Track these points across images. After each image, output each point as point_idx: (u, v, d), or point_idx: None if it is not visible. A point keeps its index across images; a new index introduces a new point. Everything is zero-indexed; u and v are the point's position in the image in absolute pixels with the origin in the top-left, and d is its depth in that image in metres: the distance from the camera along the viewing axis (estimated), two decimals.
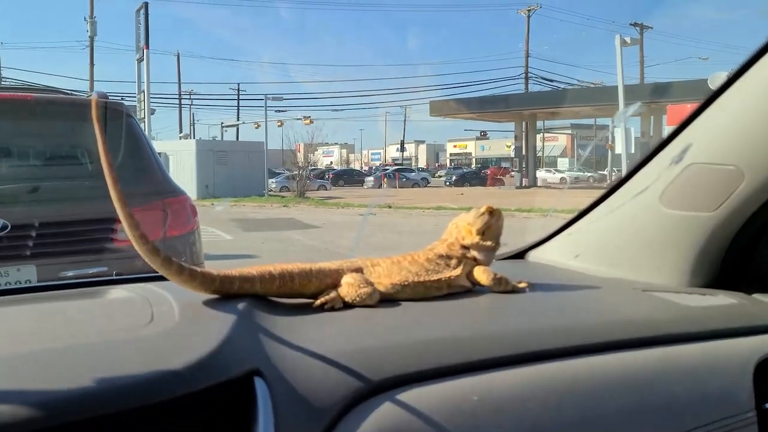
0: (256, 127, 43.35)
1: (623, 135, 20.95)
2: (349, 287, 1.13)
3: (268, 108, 37.56)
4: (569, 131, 66.42)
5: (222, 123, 51.71)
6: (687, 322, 1.14)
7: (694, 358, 1.07)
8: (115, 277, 1.35)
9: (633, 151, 20.98)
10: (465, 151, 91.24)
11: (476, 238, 1.27)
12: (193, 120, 68.58)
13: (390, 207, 23.50)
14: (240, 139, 47.51)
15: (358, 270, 1.18)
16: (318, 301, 1.11)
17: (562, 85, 48.62)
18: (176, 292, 1.08)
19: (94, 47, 38.74)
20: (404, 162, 76.16)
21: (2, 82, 26.80)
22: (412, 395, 0.86)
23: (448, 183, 49.62)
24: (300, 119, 40.80)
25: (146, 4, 24.93)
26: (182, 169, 28.21)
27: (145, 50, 24.63)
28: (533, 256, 1.67)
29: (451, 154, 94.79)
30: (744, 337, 1.13)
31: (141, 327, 0.93)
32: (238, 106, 61.17)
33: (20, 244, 3.38)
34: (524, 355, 0.97)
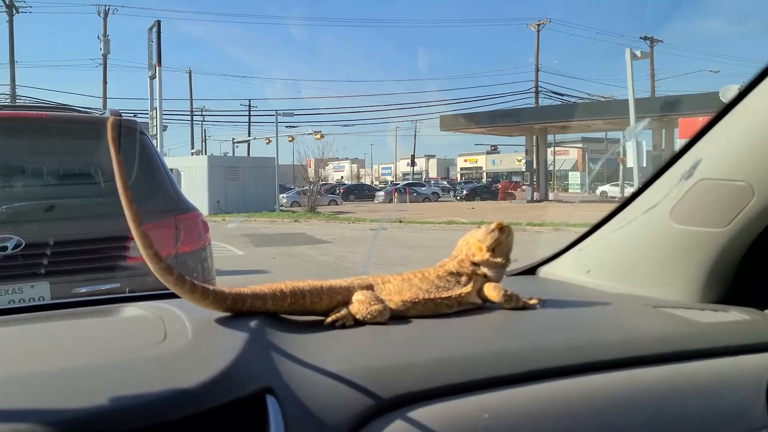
0: (267, 143, 43.46)
1: (635, 149, 20.88)
2: (360, 304, 1.13)
3: (279, 123, 37.74)
4: (580, 145, 66.19)
5: (233, 139, 51.94)
6: (699, 339, 1.14)
7: (706, 375, 1.06)
8: (128, 295, 1.36)
9: (645, 165, 20.88)
10: (475, 165, 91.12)
11: (486, 255, 1.27)
12: (205, 136, 68.91)
13: (401, 222, 23.49)
14: (251, 155, 47.63)
15: (369, 287, 1.19)
16: (329, 319, 1.12)
17: (573, 99, 48.61)
18: (189, 310, 1.09)
19: (108, 65, 39.17)
20: (415, 177, 76.16)
21: (17, 101, 27.10)
22: (423, 413, 0.86)
23: (458, 197, 49.57)
24: (311, 134, 40.90)
25: (158, 22, 25.22)
26: (194, 184, 28.31)
27: (157, 67, 24.86)
28: (544, 271, 1.66)
29: (461, 169, 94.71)
30: (757, 353, 1.12)
31: (154, 345, 0.94)
32: (249, 121, 61.58)
33: (34, 261, 3.40)
34: (536, 373, 0.97)
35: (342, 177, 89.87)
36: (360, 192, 53.87)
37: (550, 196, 41.95)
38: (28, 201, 3.73)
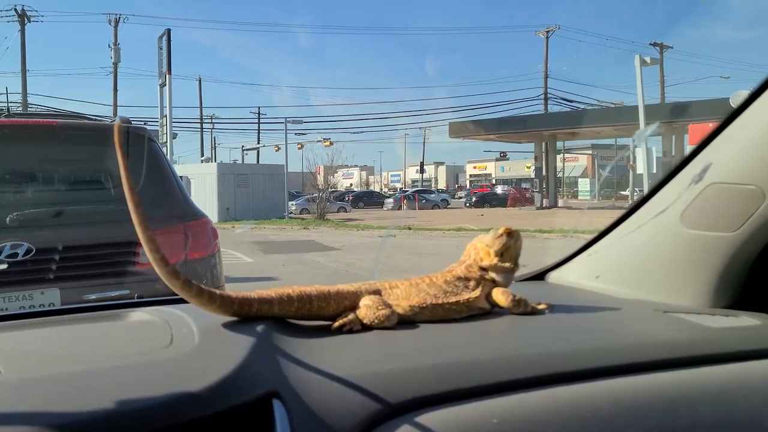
0: (277, 150, 43.64)
1: (644, 155, 20.79)
2: (367, 309, 1.13)
3: (288, 131, 37.85)
4: (590, 152, 66.07)
5: (243, 146, 52.05)
6: (710, 344, 1.12)
7: (718, 381, 1.05)
8: (135, 300, 1.36)
9: (655, 171, 20.79)
10: (485, 172, 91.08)
11: (495, 260, 1.26)
12: (215, 143, 69.11)
13: (410, 228, 23.48)
14: (260, 162, 47.77)
15: (377, 292, 1.18)
16: (336, 324, 1.11)
17: (582, 106, 48.50)
18: (196, 314, 1.09)
19: (118, 73, 39.43)
20: (424, 184, 76.19)
21: (29, 109, 27.31)
22: (430, 418, 0.86)
23: (468, 204, 49.54)
24: (320, 142, 41.02)
25: (168, 31, 25.35)
26: (204, 192, 28.43)
27: (167, 75, 24.97)
28: (553, 277, 1.65)
29: (470, 175, 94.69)
30: None
31: (160, 350, 0.94)
32: (259, 129, 61.82)
33: (44, 267, 3.42)
34: (545, 378, 0.96)
35: (351, 184, 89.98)
36: (369, 199, 53.84)
37: (560, 202, 41.84)
38: (38, 208, 3.74)
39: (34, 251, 3.40)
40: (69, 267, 3.49)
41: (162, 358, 0.91)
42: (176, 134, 31.34)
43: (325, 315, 1.14)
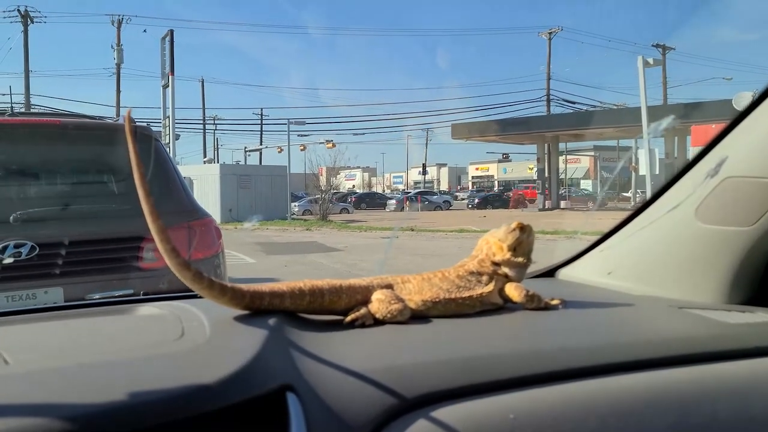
0: (279, 152, 43.66)
1: (647, 156, 20.76)
2: (379, 303, 1.12)
3: (290, 132, 37.91)
4: (592, 153, 66.02)
5: (245, 147, 52.16)
6: (726, 340, 1.11)
7: (736, 377, 1.03)
8: (143, 297, 1.35)
9: (657, 173, 20.75)
10: (487, 173, 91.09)
11: (507, 255, 1.25)
12: (217, 144, 69.26)
13: (413, 230, 23.47)
14: (263, 164, 47.84)
15: (389, 286, 1.17)
16: (349, 318, 1.10)
17: (585, 107, 48.58)
18: (206, 308, 1.08)
19: (121, 74, 39.50)
20: (426, 185, 76.19)
21: (31, 109, 27.36)
22: (446, 413, 0.84)
23: (470, 206, 49.56)
24: (322, 143, 41.05)
25: (171, 32, 25.38)
26: (206, 193, 28.44)
27: (170, 76, 25.00)
28: (563, 274, 1.64)
29: (473, 177, 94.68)
30: None
31: (171, 342, 0.93)
32: (262, 130, 61.99)
33: (48, 266, 3.41)
34: (561, 373, 0.94)
35: (354, 185, 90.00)
36: (371, 200, 53.83)
37: (562, 204, 41.81)
38: (42, 207, 3.74)
39: (37, 250, 3.39)
40: (72, 266, 3.48)
41: (173, 350, 0.89)
42: (179, 135, 31.40)
43: (337, 309, 1.12)
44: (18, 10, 38.80)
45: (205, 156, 56.63)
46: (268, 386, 0.81)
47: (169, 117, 25.26)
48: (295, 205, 36.22)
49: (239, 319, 1.05)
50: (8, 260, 3.33)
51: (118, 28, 40.07)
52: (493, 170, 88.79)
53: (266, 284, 1.08)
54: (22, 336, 1.04)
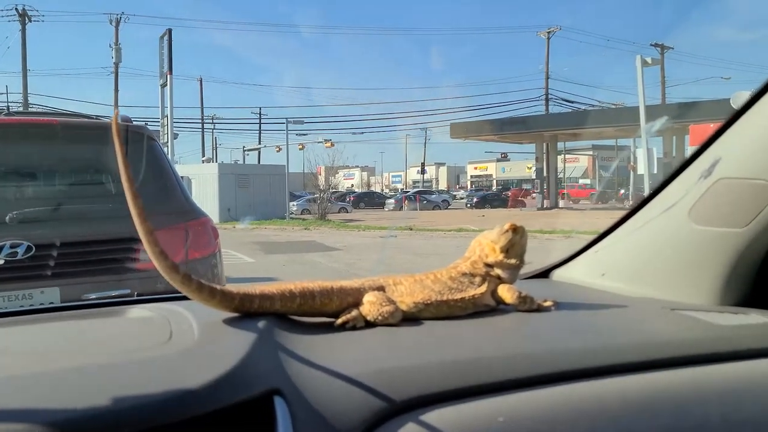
0: (278, 151, 43.66)
1: (645, 155, 20.75)
2: (371, 306, 1.11)
3: (289, 131, 37.88)
4: (590, 152, 66.03)
5: (244, 147, 52.06)
6: (719, 342, 1.10)
7: (728, 379, 1.03)
8: (135, 298, 1.34)
9: (655, 172, 20.73)
10: (486, 172, 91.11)
11: (500, 256, 1.24)
12: (216, 144, 69.11)
13: (411, 229, 23.46)
14: (261, 163, 47.77)
15: (380, 288, 1.16)
16: (339, 320, 1.09)
17: (583, 107, 48.55)
18: (196, 310, 1.07)
19: (119, 73, 39.47)
20: (425, 184, 76.19)
21: (29, 108, 27.33)
22: (435, 416, 0.84)
23: (469, 205, 49.55)
24: (321, 142, 41.03)
25: (170, 31, 25.38)
26: (205, 192, 28.42)
27: (168, 75, 25.00)
28: (557, 275, 1.63)
29: (471, 176, 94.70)
30: None
31: (159, 346, 0.92)
32: (260, 129, 61.96)
33: (44, 266, 3.40)
34: (552, 375, 0.94)
35: (352, 185, 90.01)
36: (370, 200, 53.80)
37: (560, 203, 41.83)
38: (38, 206, 3.73)
39: (34, 250, 3.38)
40: (69, 266, 3.47)
41: (160, 354, 0.89)
42: (177, 134, 31.35)
43: (328, 311, 1.12)
44: (16, 9, 38.76)
45: (203, 155, 56.52)
46: (254, 390, 0.80)
47: (167, 116, 25.25)
48: (293, 205, 36.19)
49: (229, 321, 1.04)
50: (4, 260, 3.32)
51: (116, 27, 40.02)
52: (492, 169, 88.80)
53: (256, 286, 1.07)
54: (6, 339, 1.03)
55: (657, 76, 47.73)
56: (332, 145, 39.79)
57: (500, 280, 1.24)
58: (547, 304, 1.24)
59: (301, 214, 35.73)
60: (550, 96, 48.33)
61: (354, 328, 1.09)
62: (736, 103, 1.24)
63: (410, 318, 1.14)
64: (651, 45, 46.97)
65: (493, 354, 0.99)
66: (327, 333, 1.06)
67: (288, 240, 21.11)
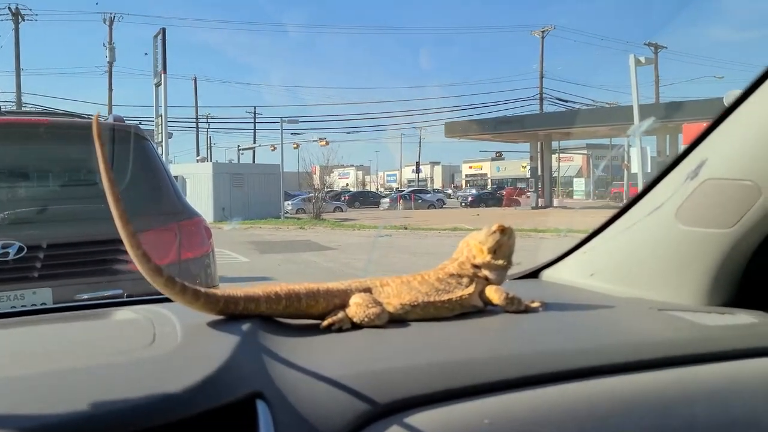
0: (273, 150, 43.67)
1: (639, 154, 20.79)
2: (357, 307, 1.11)
3: (284, 131, 37.87)
4: (585, 151, 66.10)
5: (238, 146, 52.08)
6: (706, 342, 1.10)
7: (715, 379, 1.03)
8: (122, 300, 1.34)
9: (649, 171, 20.78)
10: (480, 172, 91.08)
11: (487, 257, 1.24)
12: (210, 143, 69.02)
13: (406, 228, 23.46)
14: (256, 162, 47.72)
15: (367, 290, 1.16)
16: (325, 322, 1.09)
17: (577, 106, 48.62)
18: (181, 313, 1.06)
19: (113, 72, 39.35)
20: (420, 183, 76.19)
21: (23, 108, 27.24)
22: (420, 419, 0.84)
23: (463, 204, 49.58)
24: (316, 141, 41.04)
25: (163, 30, 25.30)
26: (199, 191, 28.39)
27: (162, 75, 24.92)
28: (547, 275, 1.63)
29: (466, 175, 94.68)
30: (766, 357, 1.09)
31: (141, 349, 0.91)
32: (255, 129, 61.86)
33: (36, 267, 3.38)
34: (538, 377, 0.94)
35: (347, 184, 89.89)
36: (365, 199, 53.72)
37: (555, 202, 41.89)
38: (30, 207, 3.71)
39: (25, 250, 3.36)
40: (61, 266, 3.46)
41: (142, 357, 0.88)
42: (172, 134, 31.23)
43: (314, 313, 1.11)
44: (9, 8, 38.60)
45: (198, 154, 56.38)
46: (237, 394, 0.80)
47: (161, 115, 25.17)
48: (288, 204, 36.16)
49: (213, 324, 1.04)
50: None
51: (110, 26, 39.89)
52: (487, 168, 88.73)
53: (241, 288, 1.07)
54: None
55: (651, 75, 47.86)
56: (327, 143, 39.83)
57: (488, 281, 1.24)
58: (535, 305, 1.24)
59: (296, 213, 35.71)
60: (544, 95, 48.42)
61: (340, 330, 1.08)
62: (729, 101, 1.24)
63: (397, 319, 1.13)
64: (645, 44, 47.10)
65: (480, 355, 0.99)
66: (312, 335, 1.05)
67: (283, 239, 21.08)
